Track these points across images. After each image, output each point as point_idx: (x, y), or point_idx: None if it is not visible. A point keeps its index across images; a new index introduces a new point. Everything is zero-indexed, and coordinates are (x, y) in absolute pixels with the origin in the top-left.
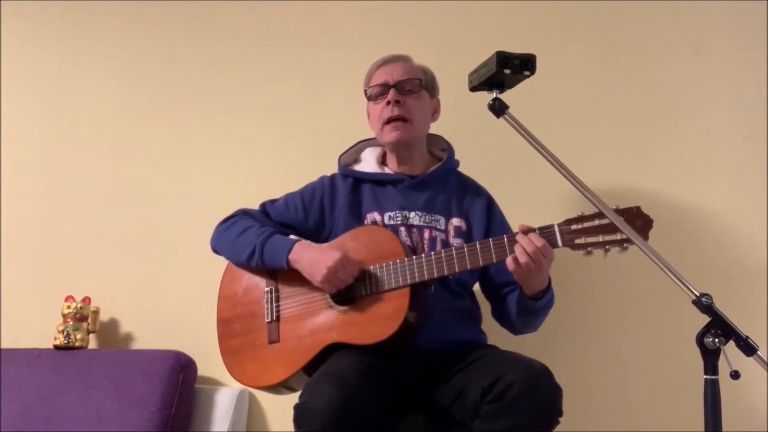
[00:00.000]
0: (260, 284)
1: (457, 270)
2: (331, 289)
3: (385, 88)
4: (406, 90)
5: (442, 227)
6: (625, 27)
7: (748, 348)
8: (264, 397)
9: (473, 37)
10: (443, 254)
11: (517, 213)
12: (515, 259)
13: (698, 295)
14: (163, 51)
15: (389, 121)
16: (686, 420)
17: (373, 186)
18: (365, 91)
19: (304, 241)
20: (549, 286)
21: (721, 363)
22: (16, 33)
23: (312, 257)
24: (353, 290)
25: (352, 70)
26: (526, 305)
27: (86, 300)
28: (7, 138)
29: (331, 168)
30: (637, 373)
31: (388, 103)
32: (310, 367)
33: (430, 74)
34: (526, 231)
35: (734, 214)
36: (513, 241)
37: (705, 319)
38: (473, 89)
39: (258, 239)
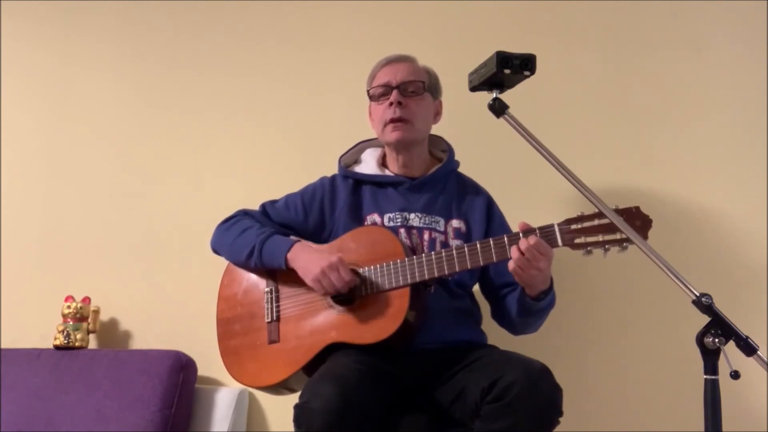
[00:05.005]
0: (260, 285)
1: (457, 269)
2: (320, 290)
3: (388, 88)
4: (409, 91)
5: (442, 229)
6: (625, 27)
7: (748, 348)
8: (264, 397)
9: (473, 37)
10: (443, 254)
11: (517, 213)
12: (513, 259)
13: (698, 295)
14: (163, 51)
15: (391, 121)
16: (686, 420)
17: (374, 187)
18: (368, 91)
19: (304, 243)
20: (551, 287)
21: (721, 363)
22: (16, 33)
23: (309, 257)
24: (353, 290)
25: (353, 71)
26: (528, 305)
27: (86, 300)
28: (7, 138)
29: (332, 169)
30: (637, 373)
31: (391, 104)
32: (310, 367)
33: (434, 76)
34: (526, 230)
35: (734, 214)
36: (513, 240)
37: (705, 319)
38: (473, 89)
39: (258, 239)
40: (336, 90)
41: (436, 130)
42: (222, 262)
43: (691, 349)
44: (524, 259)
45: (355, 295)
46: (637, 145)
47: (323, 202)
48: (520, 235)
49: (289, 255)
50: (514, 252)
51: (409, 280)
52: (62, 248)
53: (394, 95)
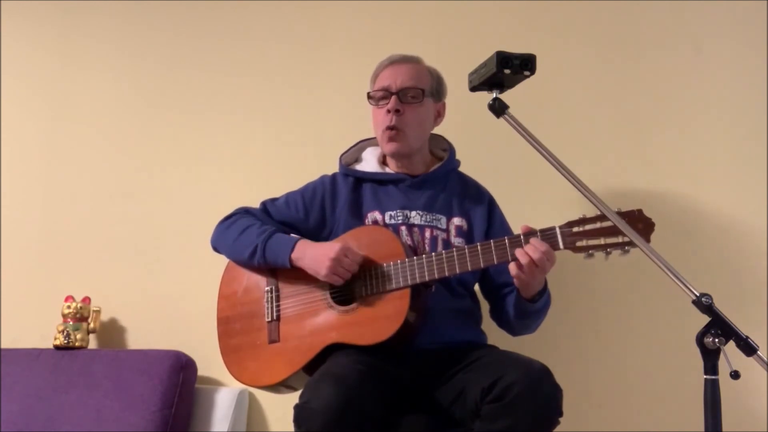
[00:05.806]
0: (260, 283)
1: (457, 271)
2: (337, 280)
3: (387, 93)
4: (409, 98)
5: (443, 226)
6: (625, 27)
7: (748, 348)
8: (264, 397)
9: (473, 37)
10: (444, 255)
11: (517, 213)
12: (519, 265)
13: (698, 295)
14: (163, 51)
15: (387, 129)
16: (686, 420)
17: (374, 185)
18: (368, 93)
19: (305, 240)
20: (545, 288)
21: (721, 363)
22: (16, 33)
23: (314, 253)
24: (354, 290)
25: (353, 70)
26: (524, 307)
27: (86, 300)
28: (7, 138)
29: (332, 167)
30: (637, 373)
31: (389, 111)
32: (310, 367)
33: (437, 78)
34: (528, 233)
35: (734, 214)
36: (514, 242)
37: (705, 319)
38: (473, 89)
39: (260, 238)
40: (336, 90)
41: (436, 129)
42: (222, 262)
43: (691, 349)
44: (532, 264)
45: (355, 296)
46: (637, 145)
47: (324, 200)
48: (521, 237)
49: (293, 255)
50: (523, 257)
51: (409, 281)
52: (62, 248)
53: (392, 102)
